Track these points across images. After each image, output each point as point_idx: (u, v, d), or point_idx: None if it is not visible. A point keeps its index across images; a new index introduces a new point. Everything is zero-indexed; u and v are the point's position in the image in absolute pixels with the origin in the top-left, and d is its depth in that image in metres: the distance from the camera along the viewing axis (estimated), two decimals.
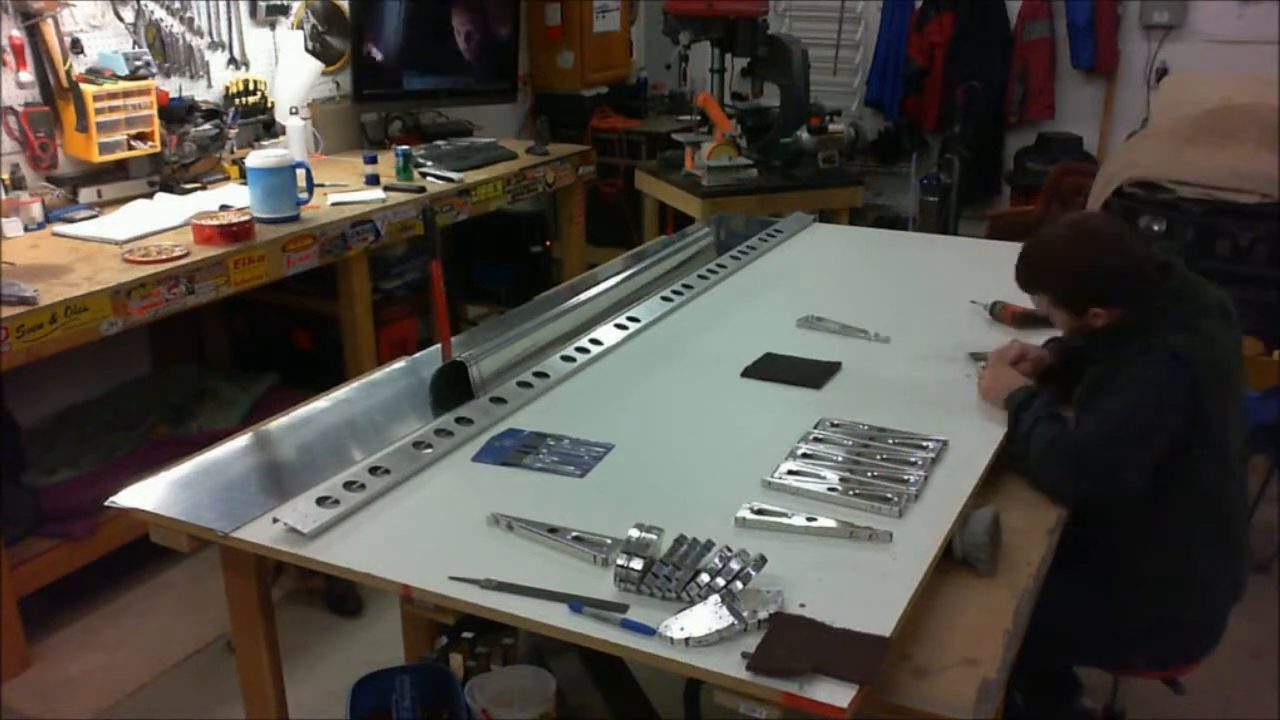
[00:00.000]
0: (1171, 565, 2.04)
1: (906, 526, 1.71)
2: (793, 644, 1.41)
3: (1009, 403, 2.07)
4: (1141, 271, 2.01)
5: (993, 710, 1.45)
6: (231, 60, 4.01)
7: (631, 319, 2.62)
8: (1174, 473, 1.97)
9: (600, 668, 2.28)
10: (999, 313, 2.59)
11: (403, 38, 4.49)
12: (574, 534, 1.67)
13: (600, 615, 1.49)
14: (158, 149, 3.54)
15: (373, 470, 1.87)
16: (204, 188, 3.69)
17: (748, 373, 2.32)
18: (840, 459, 1.90)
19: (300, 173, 3.49)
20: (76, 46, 3.42)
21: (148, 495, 1.85)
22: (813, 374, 2.30)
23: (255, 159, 3.37)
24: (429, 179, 4.01)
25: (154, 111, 3.48)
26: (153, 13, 3.68)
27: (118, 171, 3.56)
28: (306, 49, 4.22)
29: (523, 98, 5.58)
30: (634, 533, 1.59)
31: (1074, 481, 1.93)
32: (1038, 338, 2.37)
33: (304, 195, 3.52)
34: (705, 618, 1.45)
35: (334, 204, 3.61)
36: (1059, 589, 2.03)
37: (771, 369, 2.34)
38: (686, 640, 1.42)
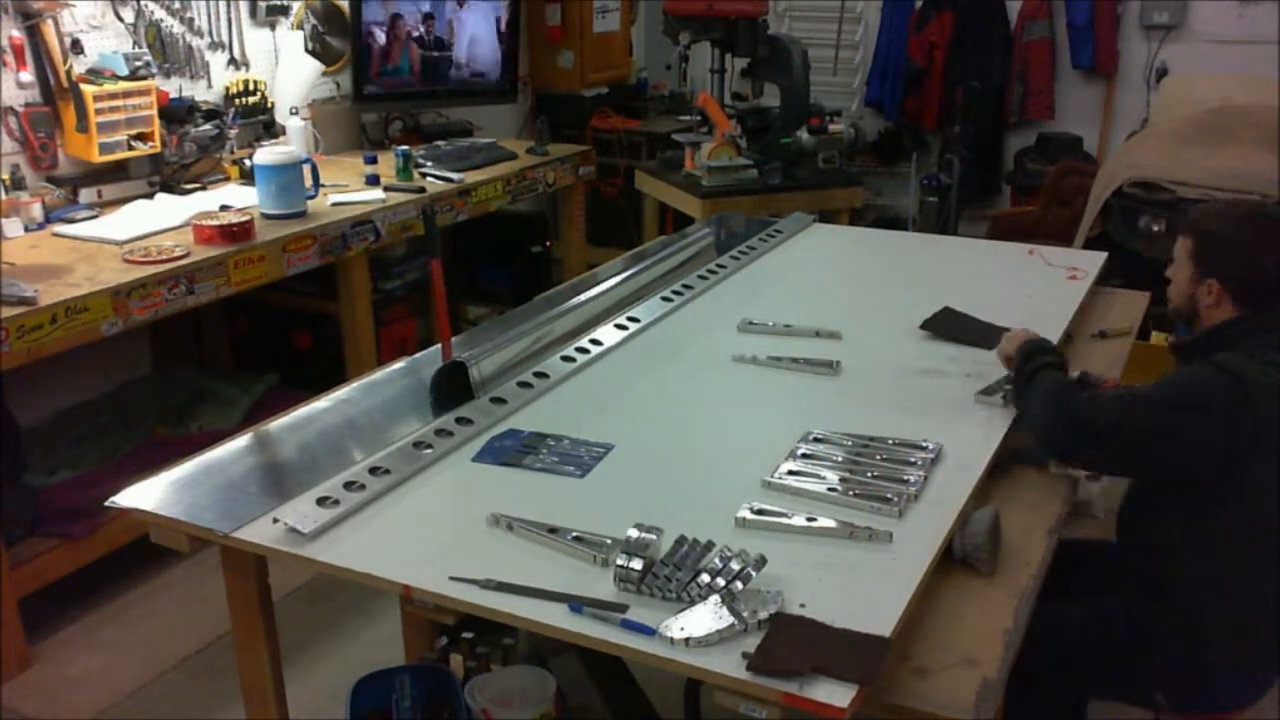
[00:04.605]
0: (1210, 599, 1.90)
1: (906, 526, 1.71)
2: (793, 644, 1.41)
3: (1020, 349, 2.07)
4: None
5: (993, 710, 1.45)
6: (231, 60, 4.01)
7: (631, 319, 2.62)
8: (1226, 500, 1.87)
9: (600, 668, 2.28)
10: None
11: (403, 38, 4.48)
12: (574, 534, 1.67)
13: (600, 615, 1.49)
14: (158, 149, 3.54)
15: (373, 470, 1.87)
16: (204, 188, 3.70)
17: (926, 325, 2.52)
18: (840, 459, 1.90)
19: (306, 168, 3.52)
20: (77, 47, 3.42)
21: (148, 495, 1.85)
22: (986, 336, 2.40)
23: (263, 156, 3.39)
24: (429, 179, 4.01)
25: (154, 112, 3.48)
26: (153, 13, 3.68)
27: (118, 172, 3.56)
28: (306, 49, 4.22)
29: (523, 98, 5.58)
30: (634, 533, 1.59)
31: (1069, 435, 1.89)
32: None
33: (311, 191, 3.55)
34: (705, 618, 1.45)
35: (334, 204, 3.61)
36: (1093, 610, 2.01)
37: (949, 326, 2.52)
38: (686, 640, 1.42)
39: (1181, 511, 1.92)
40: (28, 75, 3.29)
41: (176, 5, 3.76)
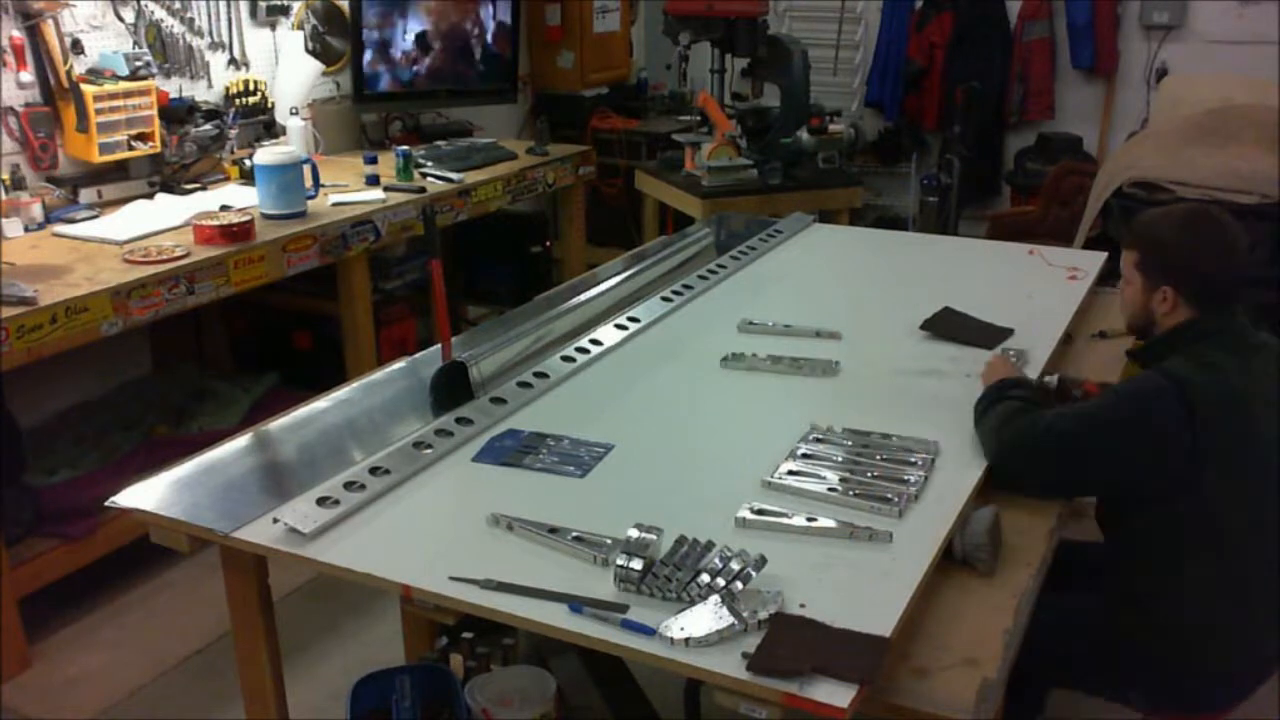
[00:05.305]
0: (1173, 606, 1.91)
1: (906, 526, 1.71)
2: (793, 644, 1.41)
3: (992, 383, 2.06)
4: (1234, 287, 1.97)
5: (993, 710, 1.45)
6: (232, 60, 4.01)
7: (631, 319, 2.62)
8: (1184, 511, 1.87)
9: (600, 668, 2.28)
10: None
11: (403, 38, 4.49)
12: (574, 534, 1.67)
13: (600, 615, 1.49)
14: (158, 149, 3.54)
15: (373, 470, 1.87)
16: (204, 188, 3.69)
17: (926, 325, 2.53)
18: (840, 459, 1.90)
19: (306, 168, 3.53)
20: (77, 47, 3.42)
21: (148, 495, 1.85)
22: (986, 336, 2.48)
23: (263, 156, 3.39)
24: (429, 179, 4.01)
25: (154, 112, 3.48)
26: (153, 13, 3.68)
27: (118, 172, 3.56)
28: (307, 49, 4.22)
29: (523, 98, 5.58)
30: (634, 533, 1.59)
31: (1025, 461, 1.89)
32: None
33: (311, 191, 3.55)
34: (705, 618, 1.45)
35: (334, 204, 3.61)
36: (1070, 605, 2.00)
37: (949, 326, 2.54)
38: (686, 640, 1.42)
39: (1145, 520, 1.92)
40: (28, 75, 3.29)
41: (177, 5, 3.76)
